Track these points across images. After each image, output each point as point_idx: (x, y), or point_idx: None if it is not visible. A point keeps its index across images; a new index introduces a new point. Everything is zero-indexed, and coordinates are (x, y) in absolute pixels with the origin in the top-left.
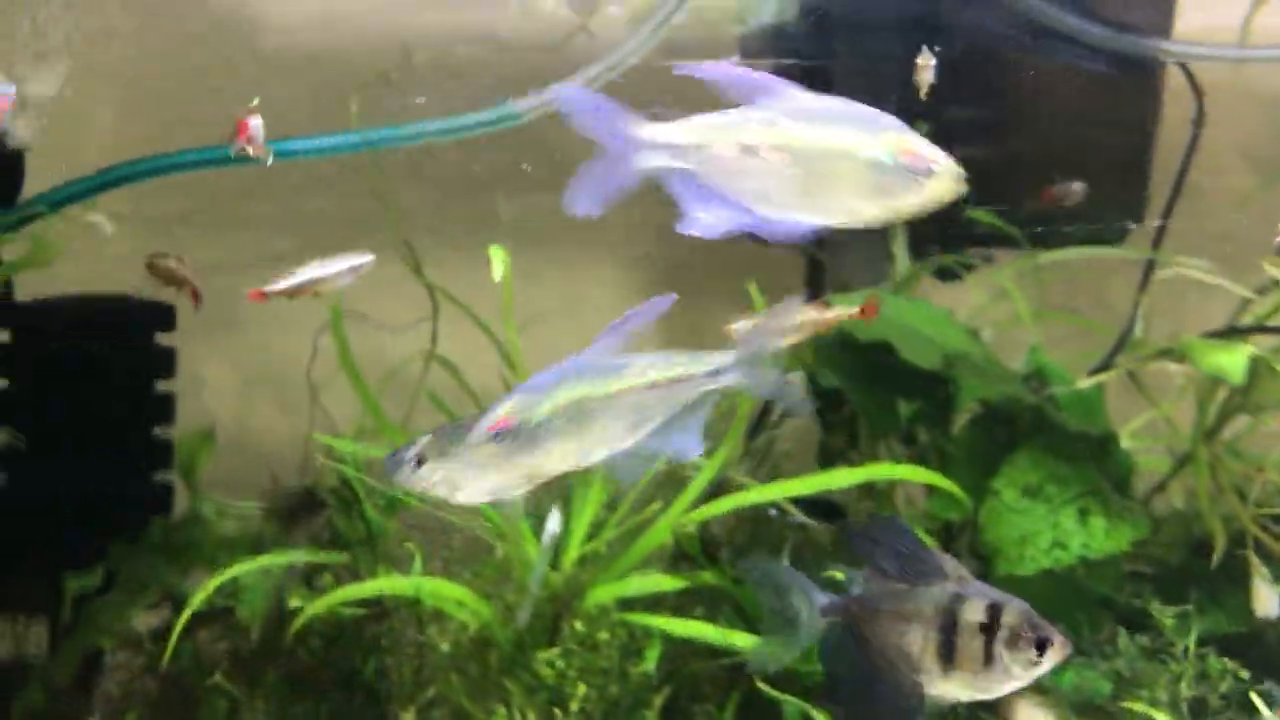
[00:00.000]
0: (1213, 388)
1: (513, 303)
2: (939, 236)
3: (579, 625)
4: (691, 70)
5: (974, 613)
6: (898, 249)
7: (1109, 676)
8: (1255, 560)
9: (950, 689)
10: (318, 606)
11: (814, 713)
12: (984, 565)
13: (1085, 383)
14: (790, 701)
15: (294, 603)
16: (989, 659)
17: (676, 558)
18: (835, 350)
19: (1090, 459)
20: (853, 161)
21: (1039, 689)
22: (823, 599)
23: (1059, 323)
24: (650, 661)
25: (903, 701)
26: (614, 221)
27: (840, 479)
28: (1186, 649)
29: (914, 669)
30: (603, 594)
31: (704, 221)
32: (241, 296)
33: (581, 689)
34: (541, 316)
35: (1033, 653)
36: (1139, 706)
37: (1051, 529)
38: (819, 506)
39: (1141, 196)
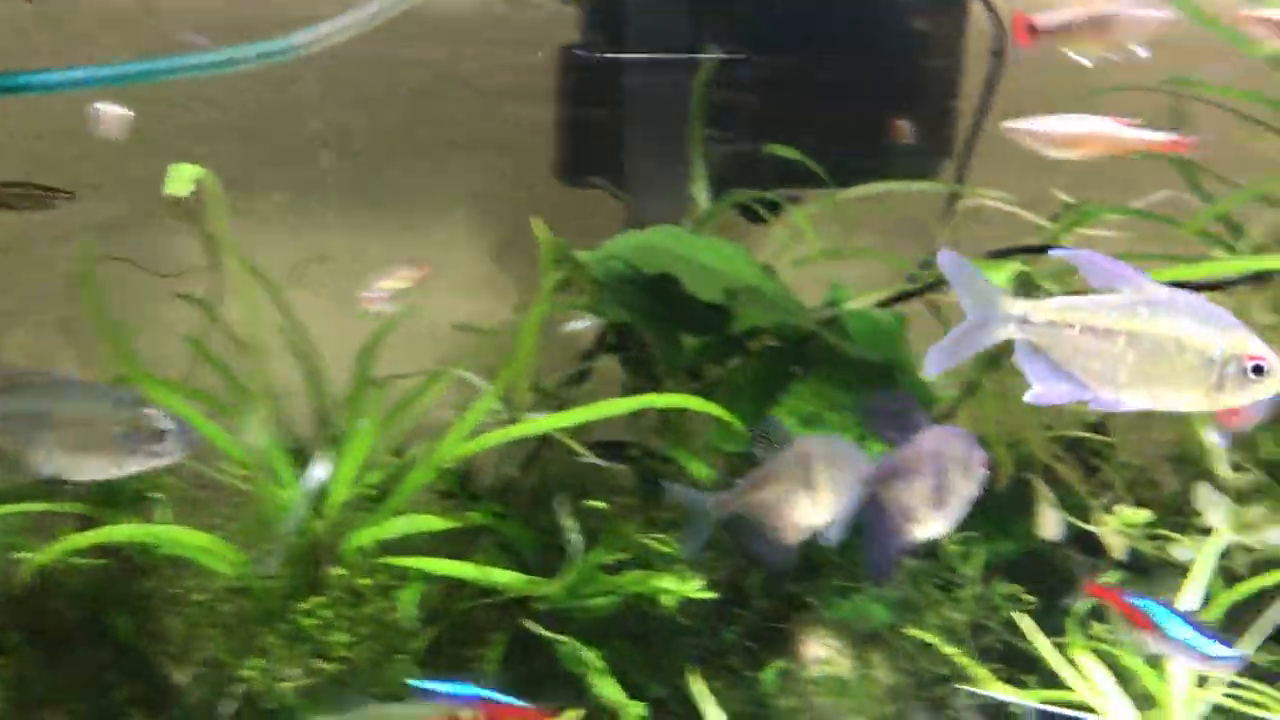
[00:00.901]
0: None
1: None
2: (743, 177)
3: (340, 572)
4: (1066, 255)
5: (957, 451)
6: (698, 189)
7: (890, 605)
8: (1041, 485)
9: (938, 525)
10: (47, 556)
11: (584, 650)
12: None
13: (851, 305)
14: (563, 640)
15: (23, 554)
16: (960, 488)
17: (445, 496)
18: (620, 285)
19: (870, 387)
20: (1190, 356)
21: (820, 620)
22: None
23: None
24: (407, 605)
25: (891, 549)
26: (449, 181)
27: (605, 409)
28: (969, 576)
29: (913, 518)
30: (363, 538)
31: (1045, 394)
32: None
33: (342, 637)
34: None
35: (981, 472)
36: (917, 633)
37: None
38: (610, 447)
39: (950, 132)
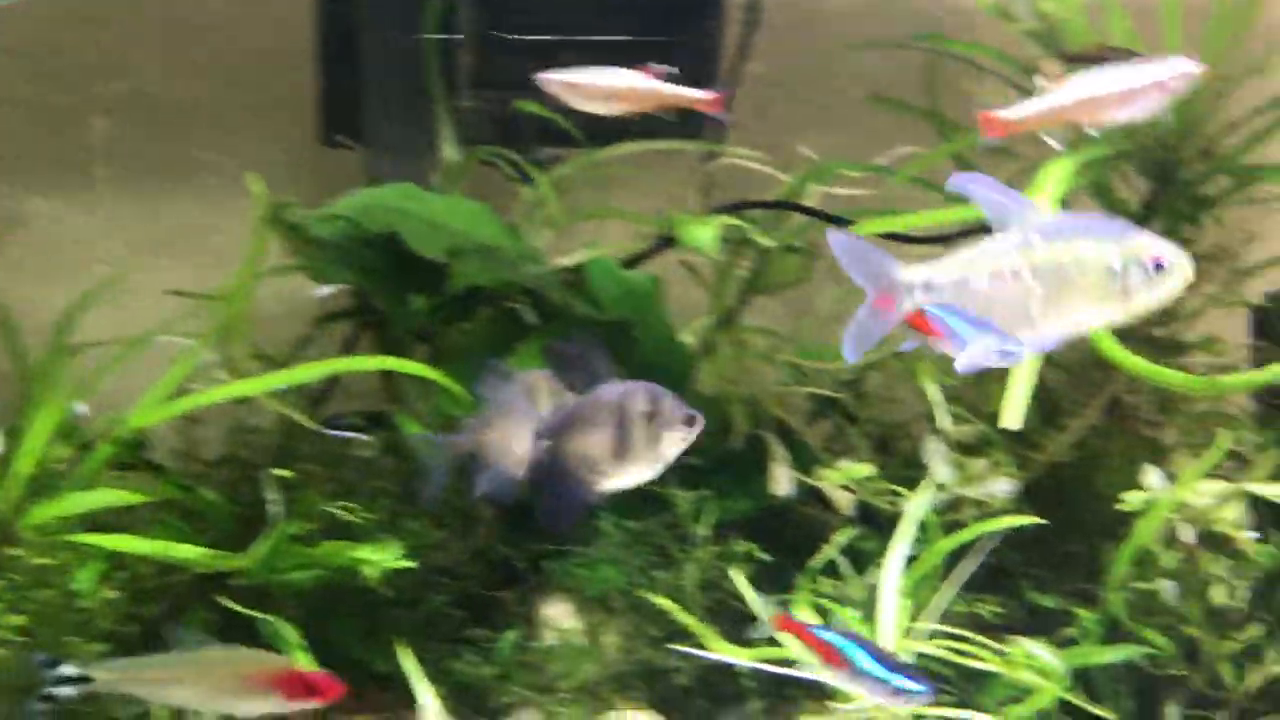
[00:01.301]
0: (728, 268)
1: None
2: (500, 134)
3: (16, 551)
4: (955, 183)
5: (640, 404)
6: (446, 144)
7: (621, 566)
8: (772, 441)
9: (625, 478)
10: None
11: (284, 626)
12: None
13: (568, 262)
14: (258, 616)
15: None
16: (652, 442)
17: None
18: (343, 244)
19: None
20: (1093, 273)
21: (560, 588)
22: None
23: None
24: (84, 582)
25: (574, 500)
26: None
27: (303, 374)
28: (698, 535)
29: (595, 470)
30: (42, 514)
31: (972, 354)
32: None
33: (18, 619)
34: None
35: (684, 429)
36: (645, 594)
37: None
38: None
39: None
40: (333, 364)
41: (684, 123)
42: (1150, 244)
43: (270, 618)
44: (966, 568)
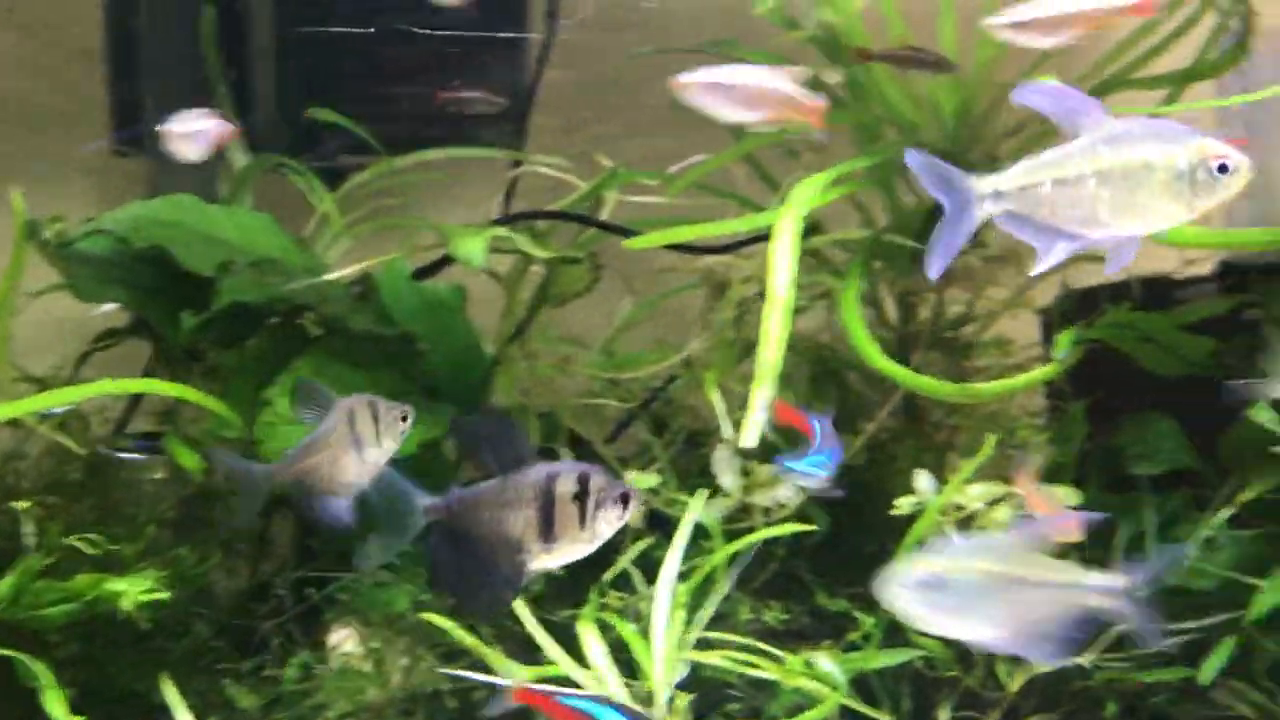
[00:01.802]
0: (517, 280)
1: None
2: (296, 144)
3: None
4: (1022, 94)
5: (567, 485)
6: (234, 153)
7: (411, 592)
8: (561, 454)
9: (553, 559)
10: None
11: (34, 664)
12: None
13: (335, 276)
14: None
15: None
16: (584, 523)
17: None
18: (109, 260)
19: (392, 361)
20: (1160, 174)
21: (349, 609)
22: (425, 499)
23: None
24: None
25: (502, 581)
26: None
27: (61, 397)
28: None
29: (517, 550)
30: None
31: (1049, 256)
32: None
33: None
34: None
35: (619, 509)
36: (429, 616)
37: None
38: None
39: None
40: (84, 389)
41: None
42: (1214, 146)
43: (21, 656)
44: (730, 577)
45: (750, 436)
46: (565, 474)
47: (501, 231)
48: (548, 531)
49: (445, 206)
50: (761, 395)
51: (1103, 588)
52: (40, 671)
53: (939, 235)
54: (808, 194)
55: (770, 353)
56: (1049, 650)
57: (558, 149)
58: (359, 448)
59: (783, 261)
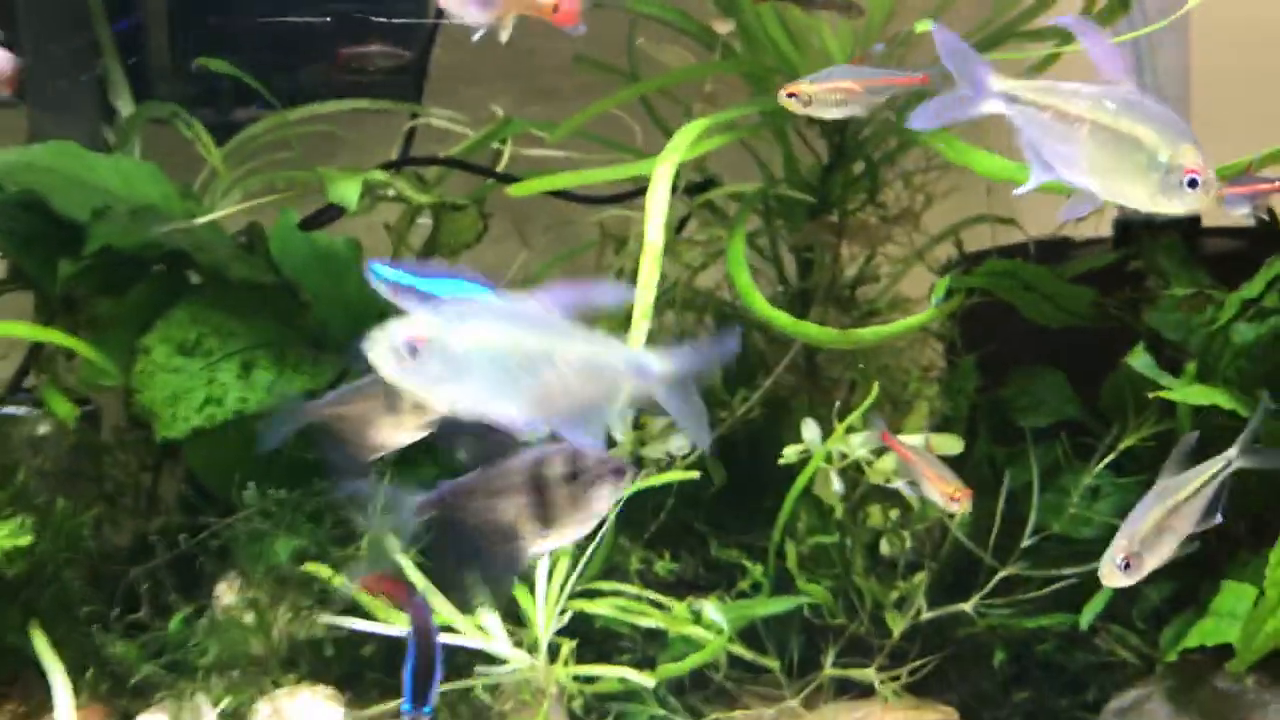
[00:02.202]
0: (401, 234)
1: None
2: (181, 94)
3: None
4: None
5: (557, 468)
6: (121, 102)
7: (294, 544)
8: None
9: (551, 542)
10: None
11: None
12: (145, 430)
13: (203, 220)
14: None
15: None
16: (579, 504)
17: None
18: None
19: (273, 312)
20: (1140, 155)
21: (234, 565)
22: (416, 497)
23: None
24: None
25: (502, 568)
26: None
27: None
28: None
29: (514, 537)
30: None
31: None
32: None
33: None
34: None
35: (614, 484)
36: (316, 568)
37: (206, 386)
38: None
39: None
40: None
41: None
42: (1193, 158)
43: None
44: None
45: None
46: (554, 456)
47: (380, 175)
48: (544, 516)
49: (342, 161)
50: (635, 340)
51: (637, 367)
52: None
53: (942, 102)
54: (685, 139)
55: (645, 296)
56: (580, 429)
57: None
58: (395, 413)
59: (657, 207)
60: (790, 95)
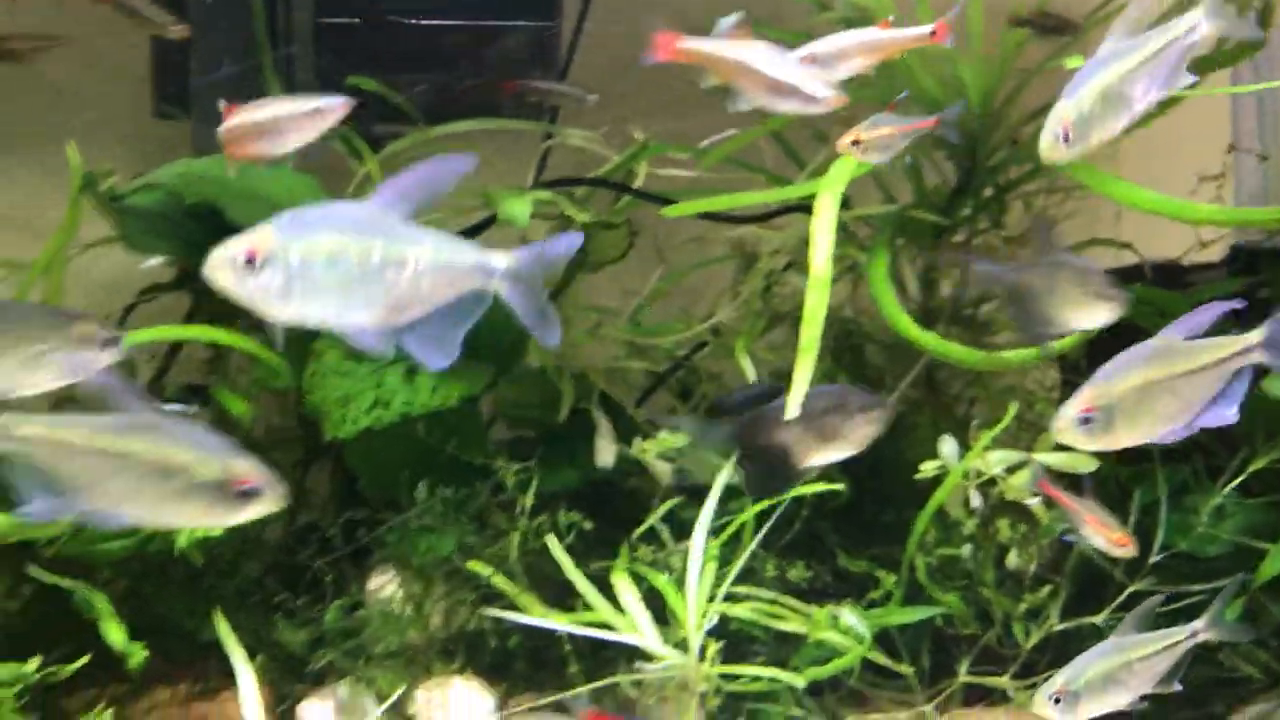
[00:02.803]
0: None
1: None
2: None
3: None
4: None
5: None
6: None
7: (452, 538)
8: (598, 414)
9: (822, 459)
10: None
11: (93, 595)
12: (314, 429)
13: None
14: (69, 585)
15: None
16: (845, 432)
17: None
18: (157, 216)
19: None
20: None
21: (388, 558)
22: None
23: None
24: None
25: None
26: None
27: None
28: (524, 507)
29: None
30: None
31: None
32: None
33: None
34: None
35: (874, 418)
36: (473, 566)
37: (374, 388)
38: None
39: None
40: (155, 332)
41: (526, 104)
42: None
43: (79, 584)
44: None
45: (793, 409)
46: (825, 394)
47: (545, 195)
48: (819, 439)
49: (477, 178)
50: (804, 370)
51: (482, 265)
52: (99, 601)
53: None
54: (845, 170)
55: (812, 329)
56: (433, 349)
57: (588, 124)
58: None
59: (823, 238)
60: (854, 144)
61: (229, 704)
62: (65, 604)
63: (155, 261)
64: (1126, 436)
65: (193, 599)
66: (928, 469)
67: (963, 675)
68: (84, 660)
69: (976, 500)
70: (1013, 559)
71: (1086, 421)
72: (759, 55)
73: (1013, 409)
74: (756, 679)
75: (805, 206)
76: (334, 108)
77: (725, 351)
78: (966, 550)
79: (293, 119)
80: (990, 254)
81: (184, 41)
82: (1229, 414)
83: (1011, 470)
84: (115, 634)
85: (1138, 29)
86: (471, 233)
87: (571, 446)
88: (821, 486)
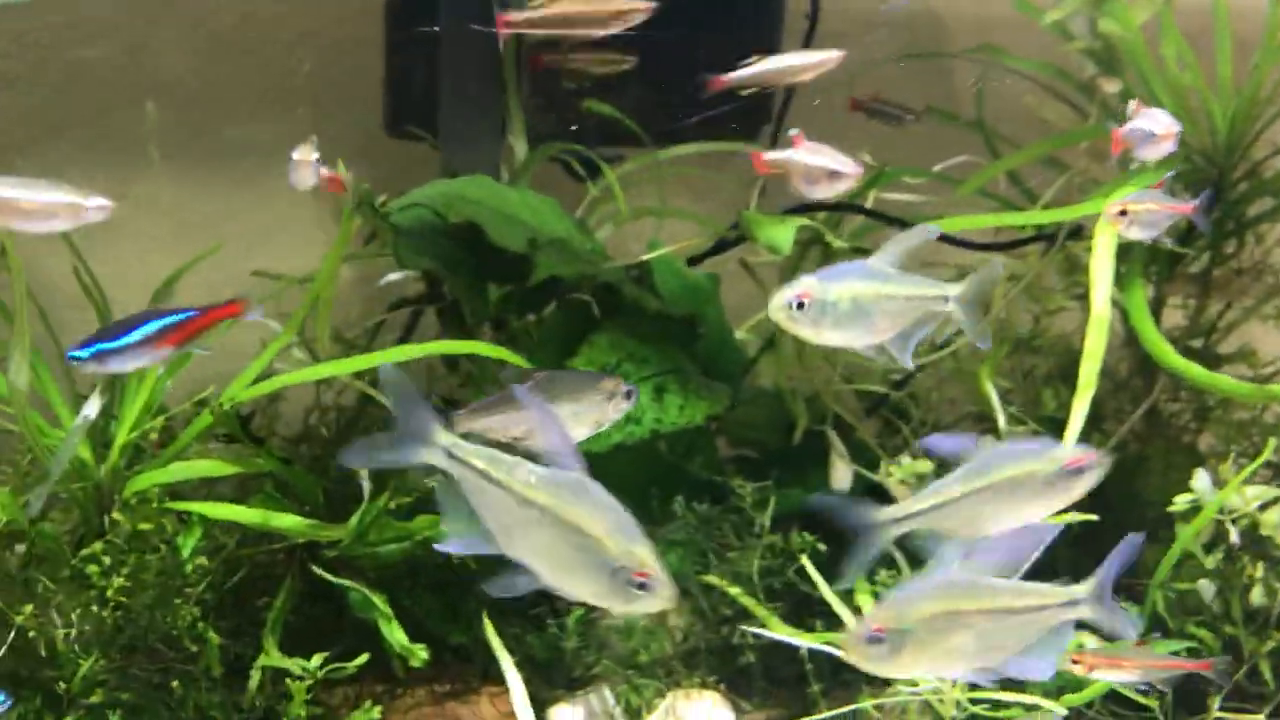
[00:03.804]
0: (795, 268)
1: None
2: (565, 131)
3: (119, 516)
4: None
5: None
6: (516, 139)
7: (684, 552)
8: (833, 436)
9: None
10: None
11: (373, 596)
12: None
13: (651, 255)
14: (350, 586)
15: None
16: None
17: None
18: (423, 233)
19: (673, 340)
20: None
21: None
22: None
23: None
24: (186, 549)
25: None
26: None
27: (397, 354)
28: (762, 525)
29: None
30: (144, 482)
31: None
32: None
33: (118, 581)
34: None
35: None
36: (712, 579)
37: None
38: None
39: (768, 97)
40: (425, 347)
41: (740, 127)
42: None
43: (359, 587)
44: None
45: (1069, 444)
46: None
47: (805, 221)
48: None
49: (682, 197)
50: (1081, 408)
51: (941, 294)
52: (379, 601)
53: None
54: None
55: (1091, 367)
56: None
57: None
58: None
59: (1103, 277)
60: (1120, 214)
61: (483, 705)
62: (336, 604)
63: (398, 276)
64: (912, 664)
65: (445, 603)
66: (1180, 503)
67: (1213, 712)
68: (364, 658)
69: (1236, 538)
70: (1257, 595)
71: (875, 641)
72: None
73: (1272, 443)
74: (1006, 706)
75: (1045, 236)
76: None
77: (950, 377)
78: (1205, 585)
79: None
80: (1229, 283)
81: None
82: (1043, 667)
83: (1264, 507)
84: (397, 634)
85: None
86: (696, 259)
87: (803, 467)
88: (1074, 516)
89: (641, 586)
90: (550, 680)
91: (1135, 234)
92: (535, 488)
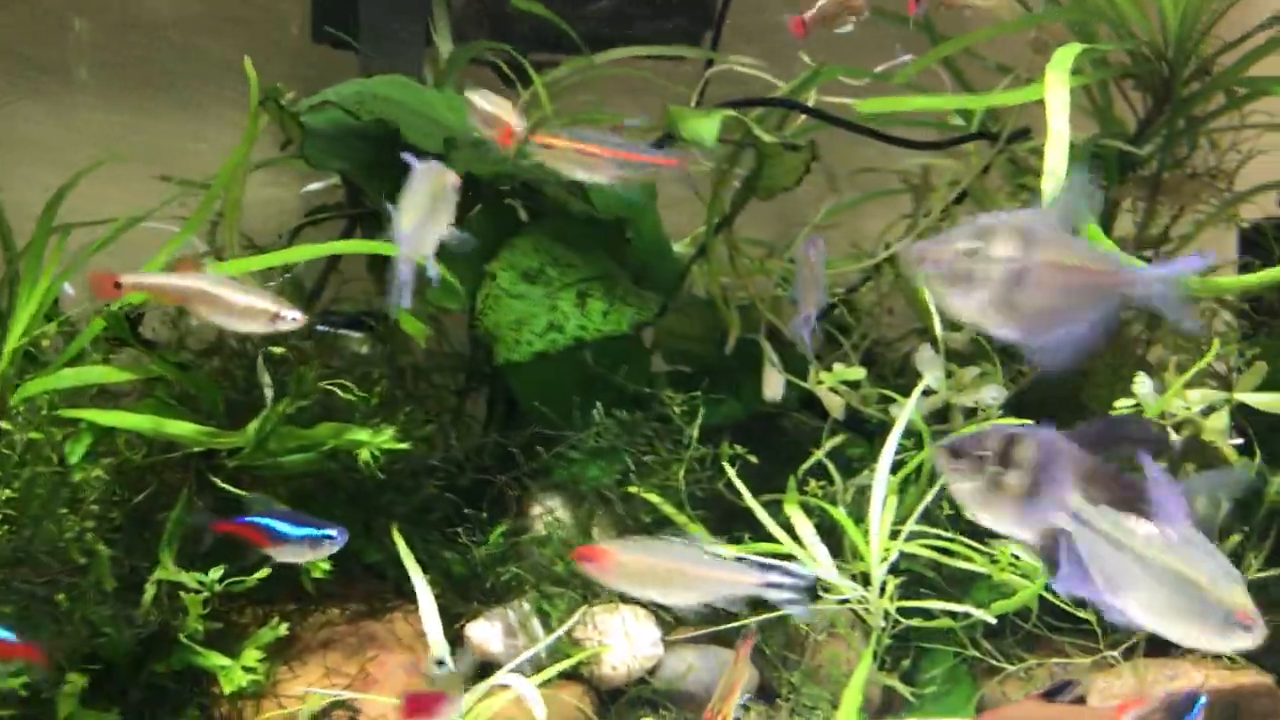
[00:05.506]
0: (725, 175)
1: None
2: (493, 34)
3: (7, 425)
4: None
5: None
6: (441, 40)
7: (605, 465)
8: (767, 346)
9: None
10: None
11: (274, 504)
12: (485, 351)
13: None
14: (250, 496)
15: None
16: None
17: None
18: (335, 134)
19: (601, 246)
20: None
21: (555, 485)
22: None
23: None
24: (74, 457)
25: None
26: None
27: (303, 253)
28: (690, 436)
29: None
30: (33, 388)
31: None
32: None
33: (6, 493)
34: None
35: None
36: (639, 490)
37: (548, 312)
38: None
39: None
40: (328, 246)
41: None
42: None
43: (262, 497)
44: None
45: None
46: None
47: (732, 114)
48: None
49: (633, 104)
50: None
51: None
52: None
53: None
54: (1069, 54)
55: (1051, 184)
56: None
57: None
58: None
59: (1058, 101)
60: None
61: (398, 623)
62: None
63: (320, 185)
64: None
65: (359, 520)
66: (1121, 408)
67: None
68: (264, 573)
69: (1175, 440)
70: (1200, 505)
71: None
72: None
73: (1216, 345)
74: (934, 616)
75: (986, 135)
76: None
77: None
78: None
79: None
80: (1180, 188)
81: None
82: None
83: (1207, 412)
84: None
85: None
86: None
87: (735, 379)
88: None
89: (1246, 629)
90: (466, 595)
91: None
92: (1152, 547)
